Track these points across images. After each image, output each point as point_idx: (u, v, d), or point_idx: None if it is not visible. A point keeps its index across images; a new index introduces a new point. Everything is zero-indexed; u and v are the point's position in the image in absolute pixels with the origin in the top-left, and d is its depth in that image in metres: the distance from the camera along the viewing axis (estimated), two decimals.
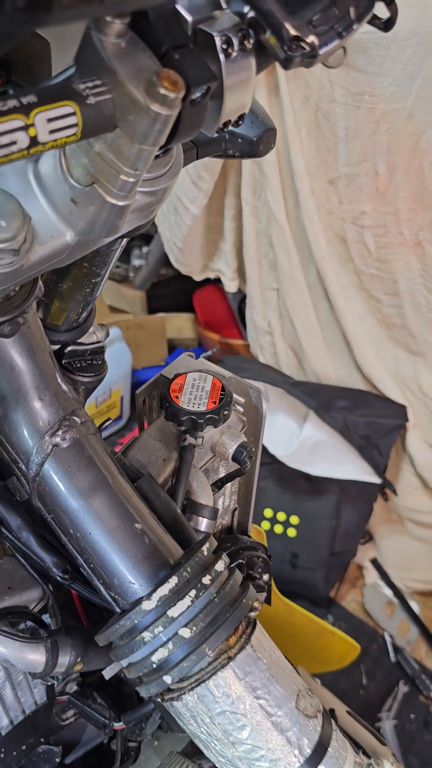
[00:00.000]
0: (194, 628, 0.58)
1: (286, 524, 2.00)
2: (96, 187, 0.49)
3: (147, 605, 0.59)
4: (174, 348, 2.56)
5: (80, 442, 0.62)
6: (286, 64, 0.48)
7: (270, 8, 0.46)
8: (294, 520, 2.00)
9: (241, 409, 0.84)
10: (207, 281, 2.36)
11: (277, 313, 2.05)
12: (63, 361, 0.65)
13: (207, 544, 0.63)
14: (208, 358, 0.92)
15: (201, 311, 2.43)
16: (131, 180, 0.48)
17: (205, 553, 0.62)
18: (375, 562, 2.16)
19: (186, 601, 0.58)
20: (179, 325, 2.54)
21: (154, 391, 0.86)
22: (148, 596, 0.59)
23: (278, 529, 2.00)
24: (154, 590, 0.59)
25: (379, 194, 1.58)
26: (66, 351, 0.65)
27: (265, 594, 0.97)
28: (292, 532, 2.01)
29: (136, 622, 0.59)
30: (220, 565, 0.62)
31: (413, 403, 1.86)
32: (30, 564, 0.66)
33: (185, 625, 0.58)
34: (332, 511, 1.97)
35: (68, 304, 0.66)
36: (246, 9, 0.47)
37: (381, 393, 1.88)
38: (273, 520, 1.94)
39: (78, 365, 0.64)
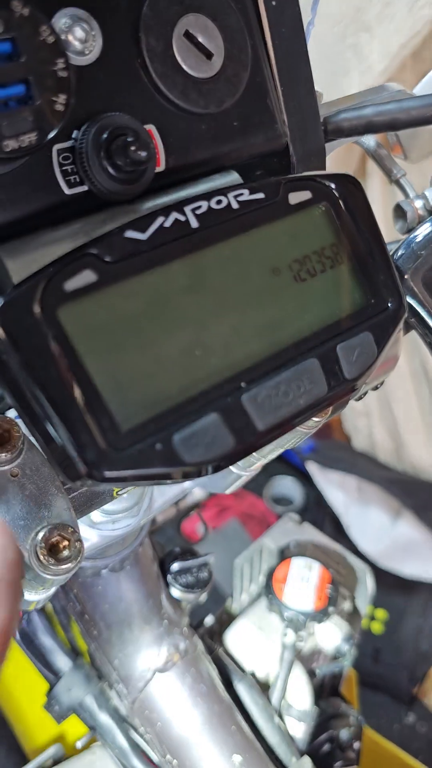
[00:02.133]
0: None
1: (371, 617, 1.92)
2: None
3: None
4: None
5: (182, 668, 0.60)
6: None
7: (429, 311, 0.42)
8: (380, 614, 1.91)
9: (347, 592, 0.80)
10: None
11: (376, 395, 1.98)
12: (168, 576, 0.63)
13: None
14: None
15: None
16: None
17: None
18: None
19: None
20: None
21: (253, 559, 0.83)
22: None
23: (362, 622, 1.92)
24: None
25: None
26: (173, 569, 0.63)
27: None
28: (376, 627, 1.92)
29: None
30: None
31: None
32: None
33: None
34: (421, 608, 1.87)
35: None
36: None
37: None
38: (368, 617, 1.87)
39: (184, 581, 0.62)
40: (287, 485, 2.10)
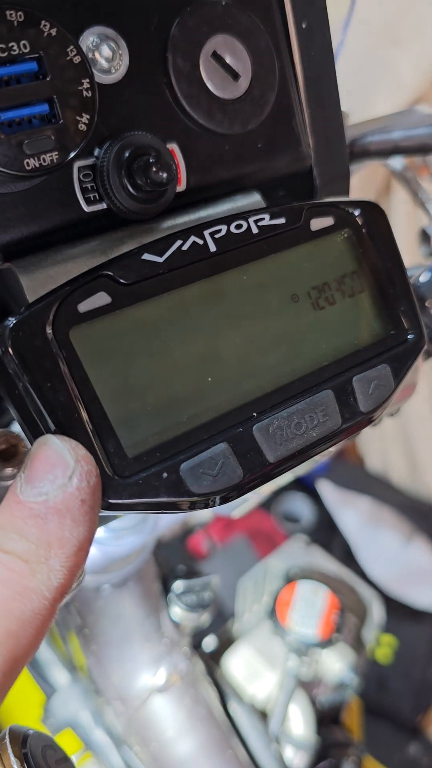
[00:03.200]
0: None
1: (378, 643, 1.89)
2: None
3: None
4: None
5: (181, 689, 0.59)
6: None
7: None
8: (387, 640, 1.88)
9: (353, 619, 0.79)
10: None
11: (391, 417, 1.96)
12: (170, 595, 0.62)
13: None
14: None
15: None
16: None
17: None
18: None
19: None
20: None
21: (258, 580, 0.82)
22: None
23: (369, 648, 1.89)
24: None
25: None
26: (176, 589, 0.62)
27: None
28: (384, 654, 1.90)
29: None
30: None
31: None
32: None
33: None
34: (430, 637, 1.84)
35: None
36: None
37: None
38: (373, 646, 1.84)
39: (186, 601, 0.61)
40: (297, 503, 2.08)
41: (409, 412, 1.87)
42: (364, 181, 1.47)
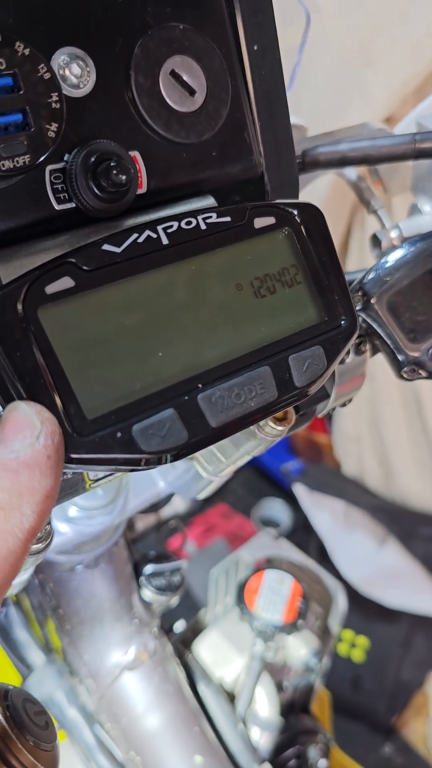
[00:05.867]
0: None
1: (352, 644, 1.93)
2: (195, 464, 0.50)
3: None
4: None
5: (150, 667, 0.63)
6: (398, 378, 0.48)
7: (392, 334, 0.46)
8: (361, 641, 1.92)
9: (318, 609, 0.82)
10: None
11: (367, 422, 2.01)
12: (141, 578, 0.66)
13: None
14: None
15: None
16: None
17: None
18: None
19: None
20: None
21: (229, 570, 0.85)
22: None
23: (342, 648, 1.92)
24: None
25: None
26: (146, 571, 0.65)
27: None
28: (357, 654, 1.93)
29: None
30: None
31: None
32: None
33: None
34: (403, 637, 1.88)
35: None
36: (366, 322, 0.47)
37: None
38: (338, 636, 1.87)
39: (156, 584, 0.65)
40: (276, 507, 2.12)
41: (385, 418, 1.92)
42: (338, 194, 1.52)
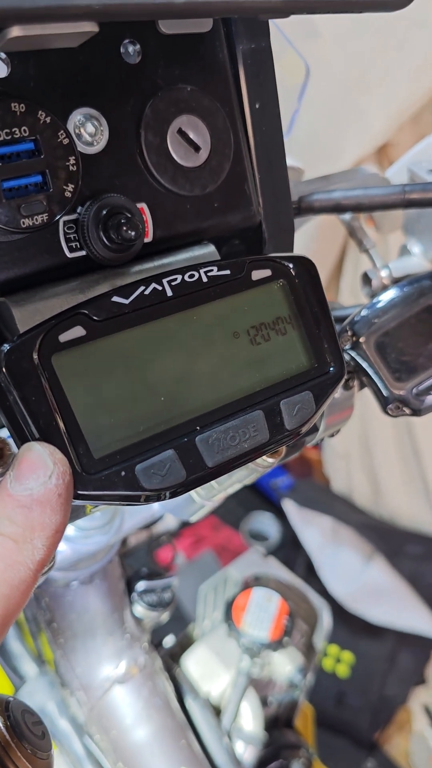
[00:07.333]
0: None
1: (337, 659, 1.95)
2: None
3: None
4: None
5: (139, 681, 0.65)
6: (384, 413, 0.50)
7: (378, 372, 0.48)
8: (346, 656, 1.94)
9: (304, 626, 0.85)
10: None
11: (357, 440, 2.04)
12: (133, 594, 0.68)
13: None
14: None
15: None
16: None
17: None
18: (428, 711, 2.05)
19: None
20: None
21: (218, 587, 0.87)
22: None
23: (327, 663, 1.94)
24: None
25: None
26: (138, 587, 0.68)
27: None
28: (342, 670, 1.95)
29: None
30: None
31: None
32: None
33: None
34: (388, 653, 1.90)
35: None
36: (355, 360, 0.50)
37: None
38: (322, 653, 1.89)
39: (148, 600, 0.67)
40: (265, 521, 2.14)
41: (375, 437, 1.95)
42: (328, 231, 1.56)
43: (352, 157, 1.44)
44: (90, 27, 0.27)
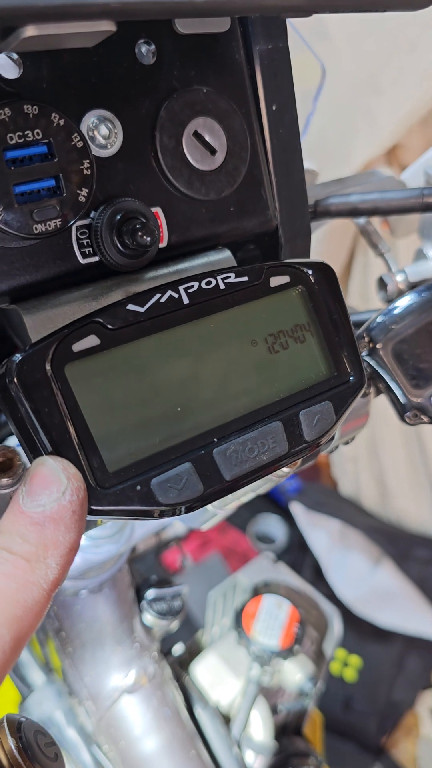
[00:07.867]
0: None
1: (345, 663, 1.93)
2: None
3: None
4: None
5: (149, 691, 0.64)
6: (401, 422, 0.49)
7: (396, 379, 0.47)
8: (354, 660, 1.93)
9: (314, 633, 0.84)
10: None
11: (365, 443, 2.02)
12: (143, 603, 0.67)
13: None
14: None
15: None
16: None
17: None
18: None
19: None
20: None
21: (227, 593, 0.86)
22: None
23: (335, 667, 1.93)
24: None
25: None
26: (148, 596, 0.67)
27: None
28: (350, 674, 1.93)
29: None
30: None
31: None
32: None
33: None
34: (396, 657, 1.89)
35: None
36: (371, 366, 0.49)
37: None
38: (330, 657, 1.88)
39: (157, 608, 0.66)
40: (272, 524, 2.13)
41: (383, 440, 1.93)
42: (339, 233, 1.55)
43: (362, 159, 1.43)
44: (107, 26, 0.26)
